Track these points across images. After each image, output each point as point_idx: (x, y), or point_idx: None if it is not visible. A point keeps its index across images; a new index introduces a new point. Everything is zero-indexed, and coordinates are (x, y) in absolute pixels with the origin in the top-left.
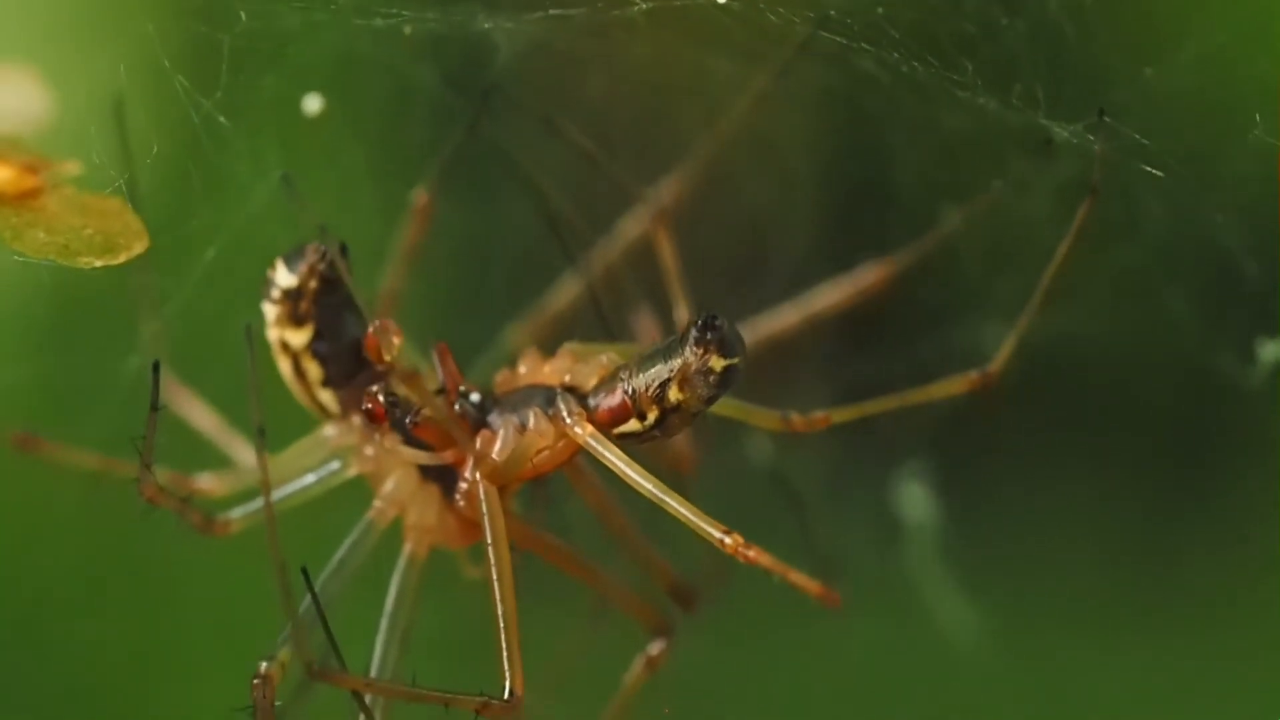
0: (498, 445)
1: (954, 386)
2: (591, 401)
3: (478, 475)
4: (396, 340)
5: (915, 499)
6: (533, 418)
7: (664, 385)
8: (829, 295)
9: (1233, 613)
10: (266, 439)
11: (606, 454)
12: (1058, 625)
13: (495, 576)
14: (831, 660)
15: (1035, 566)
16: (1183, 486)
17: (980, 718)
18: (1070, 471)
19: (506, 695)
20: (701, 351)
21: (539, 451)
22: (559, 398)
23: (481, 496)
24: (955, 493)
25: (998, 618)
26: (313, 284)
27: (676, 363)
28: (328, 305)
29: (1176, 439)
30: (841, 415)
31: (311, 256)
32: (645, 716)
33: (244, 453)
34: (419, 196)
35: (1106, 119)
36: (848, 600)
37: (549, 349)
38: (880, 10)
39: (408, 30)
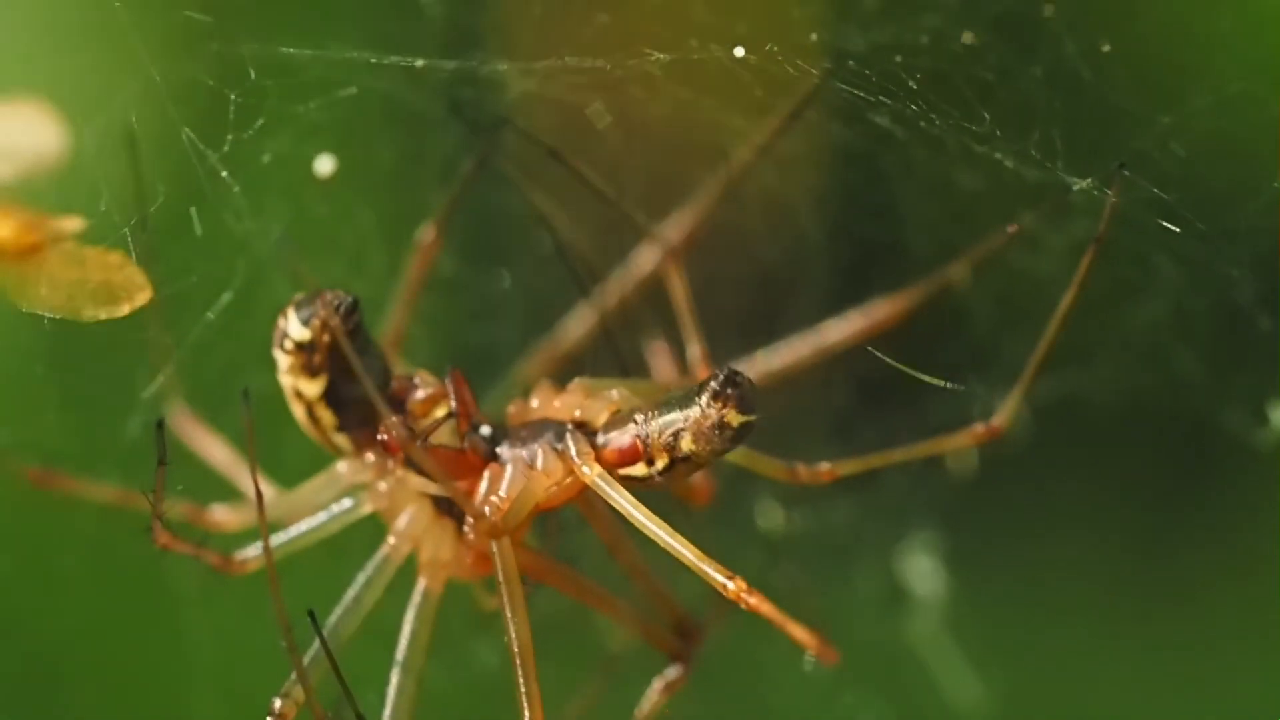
0: (505, 482)
1: (960, 440)
2: (601, 439)
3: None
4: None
5: (923, 571)
6: (541, 455)
7: (678, 434)
8: (841, 329)
9: (1250, 686)
10: (279, 470)
11: (613, 494)
12: (1064, 700)
13: (509, 614)
14: None
15: (1041, 639)
16: (1196, 557)
17: None
18: (1079, 542)
19: None
20: (720, 405)
21: (545, 489)
22: (568, 435)
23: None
24: (963, 565)
25: (1003, 692)
26: (325, 338)
27: (693, 413)
28: (341, 357)
29: (1189, 508)
30: (846, 469)
31: (323, 309)
32: None
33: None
34: (426, 233)
35: (1126, 172)
36: (854, 670)
37: (564, 381)
38: (899, 59)
39: (419, 64)
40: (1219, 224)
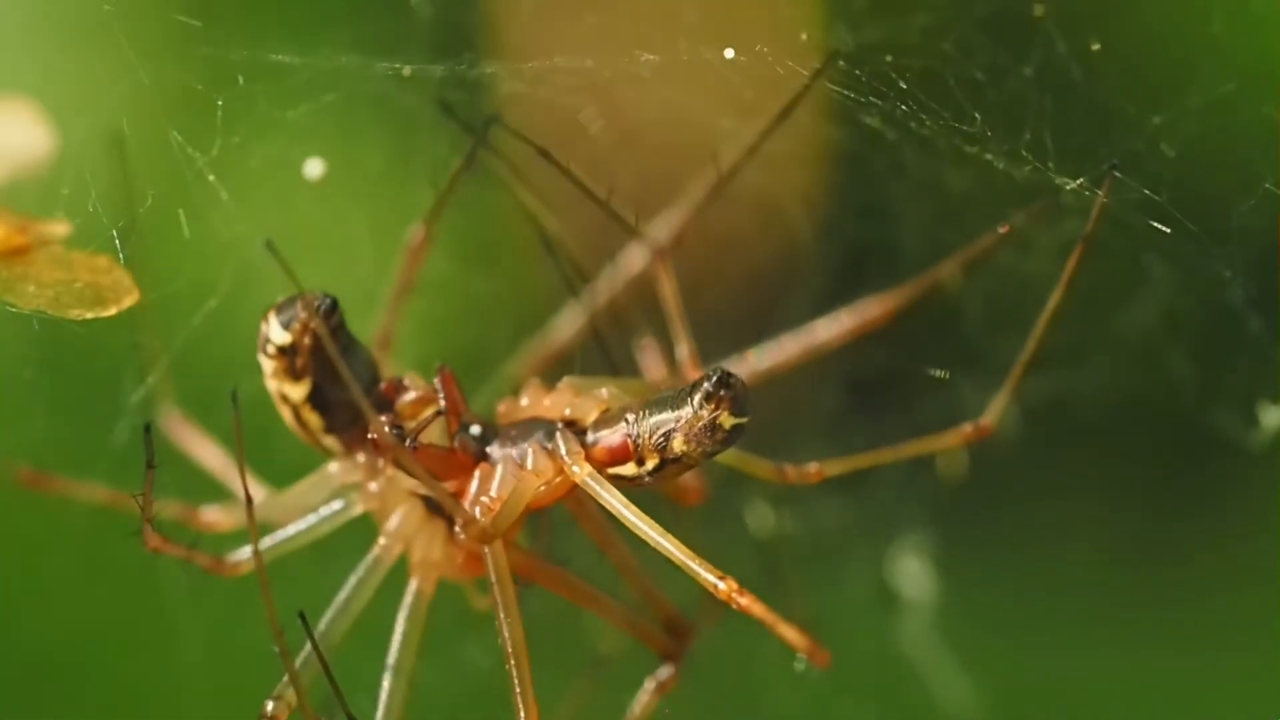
0: (495, 482)
1: (948, 440)
2: (590, 437)
3: (476, 512)
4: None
5: (913, 573)
6: (531, 454)
7: (669, 435)
8: (830, 328)
9: (1243, 685)
10: (271, 471)
11: (603, 494)
12: (1053, 701)
13: (502, 615)
14: None
15: (1031, 640)
16: (1187, 558)
17: None
18: (1069, 544)
19: None
20: (713, 407)
21: (535, 488)
22: (558, 434)
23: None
24: (953, 567)
25: (993, 693)
26: (306, 341)
27: (685, 414)
28: (325, 359)
29: (1180, 509)
30: (835, 469)
31: (302, 312)
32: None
33: (251, 489)
34: (415, 233)
35: (1116, 173)
36: (844, 672)
37: (553, 380)
38: (889, 59)
39: (406, 72)
40: (1210, 225)
